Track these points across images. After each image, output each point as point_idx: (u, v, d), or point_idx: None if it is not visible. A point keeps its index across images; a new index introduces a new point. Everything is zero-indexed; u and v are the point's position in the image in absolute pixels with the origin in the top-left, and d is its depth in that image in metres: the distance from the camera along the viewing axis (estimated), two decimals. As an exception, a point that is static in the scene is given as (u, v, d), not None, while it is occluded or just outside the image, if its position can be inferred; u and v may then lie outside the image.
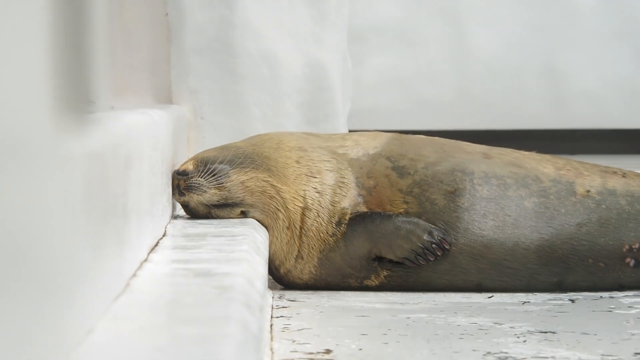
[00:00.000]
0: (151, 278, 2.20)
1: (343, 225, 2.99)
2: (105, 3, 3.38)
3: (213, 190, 2.99)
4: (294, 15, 3.73)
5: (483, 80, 5.78)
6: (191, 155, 3.68)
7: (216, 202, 3.00)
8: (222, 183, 2.99)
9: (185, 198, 3.00)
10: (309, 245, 3.01)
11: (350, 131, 3.93)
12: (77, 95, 1.50)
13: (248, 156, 3.03)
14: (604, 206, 3.02)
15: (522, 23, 5.75)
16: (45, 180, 1.34)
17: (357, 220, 2.99)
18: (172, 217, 3.10)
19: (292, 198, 3.00)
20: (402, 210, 2.98)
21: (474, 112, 5.80)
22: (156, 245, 2.62)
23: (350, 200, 2.99)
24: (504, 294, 2.97)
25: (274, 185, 3.01)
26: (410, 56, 5.73)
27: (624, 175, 3.11)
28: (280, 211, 3.00)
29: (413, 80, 5.76)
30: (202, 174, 2.98)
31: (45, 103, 1.34)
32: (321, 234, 3.00)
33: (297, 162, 3.02)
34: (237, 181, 2.99)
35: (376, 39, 5.71)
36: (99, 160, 1.82)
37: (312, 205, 2.99)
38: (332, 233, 2.99)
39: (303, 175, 3.00)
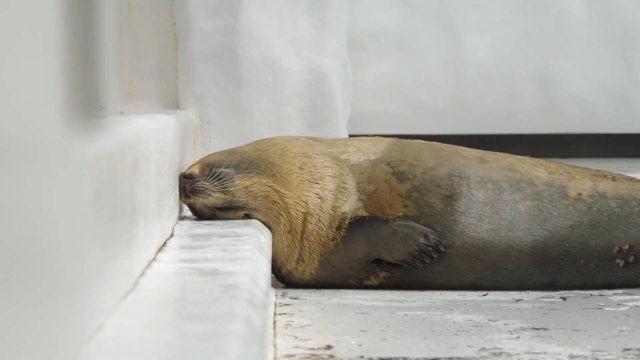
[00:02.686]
0: (159, 276, 2.22)
1: (343, 229, 3.03)
2: (114, 12, 3.42)
3: (217, 194, 3.06)
4: (295, 24, 3.75)
5: (477, 86, 5.83)
6: (197, 158, 3.72)
7: (220, 205, 3.07)
8: (226, 187, 3.05)
9: (191, 200, 3.07)
10: (309, 248, 3.06)
11: (350, 135, 3.97)
12: (87, 101, 1.51)
13: (253, 161, 3.08)
14: (595, 209, 3.06)
15: (515, 31, 5.81)
16: (56, 182, 1.35)
17: (356, 224, 3.04)
18: (179, 218, 3.12)
19: (294, 203, 3.05)
20: (400, 213, 3.02)
21: (468, 117, 5.86)
22: (164, 245, 2.64)
23: (350, 205, 3.03)
24: (497, 292, 3.00)
25: (278, 191, 3.06)
26: (408, 63, 5.78)
27: (613, 178, 3.15)
28: (283, 215, 3.06)
29: (410, 86, 5.80)
30: (208, 177, 3.04)
31: (57, 108, 1.35)
32: (322, 238, 3.05)
33: (301, 168, 3.06)
34: (241, 186, 3.05)
35: (375, 46, 5.76)
36: (108, 163, 1.84)
37: (314, 210, 3.04)
38: (333, 237, 3.04)
39: (306, 182, 3.05)
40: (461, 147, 3.20)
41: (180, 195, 3.06)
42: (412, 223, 2.98)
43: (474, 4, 5.81)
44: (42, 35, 1.32)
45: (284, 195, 3.04)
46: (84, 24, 1.53)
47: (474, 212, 3.01)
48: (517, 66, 5.82)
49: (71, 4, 1.44)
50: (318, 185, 3.05)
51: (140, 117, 2.66)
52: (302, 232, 3.04)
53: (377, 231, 3.00)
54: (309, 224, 3.03)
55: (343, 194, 3.03)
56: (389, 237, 2.99)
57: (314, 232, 3.03)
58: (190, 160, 3.60)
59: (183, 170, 3.11)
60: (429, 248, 2.98)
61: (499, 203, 3.03)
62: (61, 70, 1.37)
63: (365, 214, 3.03)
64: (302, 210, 3.04)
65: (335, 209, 3.03)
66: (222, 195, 3.05)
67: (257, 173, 3.05)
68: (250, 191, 3.04)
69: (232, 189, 3.04)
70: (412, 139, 3.27)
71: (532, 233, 3.02)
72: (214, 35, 3.69)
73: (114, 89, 3.49)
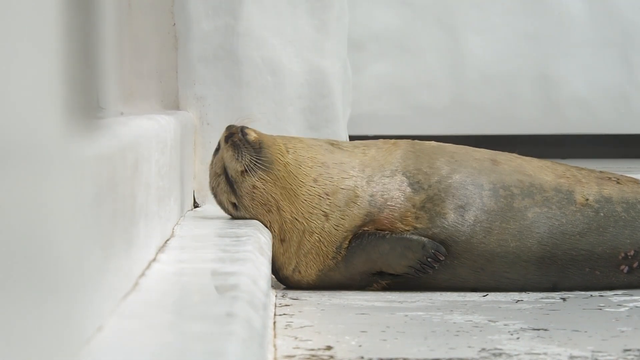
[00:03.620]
0: (159, 277, 2.23)
1: (344, 248, 3.03)
2: (115, 13, 3.42)
3: (240, 166, 3.04)
4: (296, 24, 3.75)
5: (478, 87, 5.83)
6: (197, 159, 3.72)
7: (230, 176, 3.05)
8: (249, 170, 3.03)
9: (225, 146, 3.04)
10: (306, 264, 3.04)
11: (349, 136, 3.97)
12: (87, 102, 1.50)
13: (274, 166, 3.03)
14: (602, 214, 3.04)
15: (515, 32, 5.81)
16: (56, 183, 1.34)
17: (356, 243, 3.01)
18: (179, 218, 3.16)
19: (292, 218, 3.04)
20: (410, 228, 2.99)
21: (468, 117, 5.86)
22: (164, 245, 2.65)
23: (356, 221, 3.01)
24: (498, 293, 3.01)
25: (278, 204, 3.04)
26: (408, 64, 5.78)
27: (618, 181, 3.13)
28: (275, 225, 3.05)
29: (410, 87, 5.81)
30: (252, 150, 3.01)
31: (57, 109, 1.34)
32: (321, 257, 3.03)
33: (315, 180, 3.04)
34: (251, 183, 3.05)
35: (375, 48, 5.76)
36: (108, 163, 1.86)
37: (315, 229, 3.01)
38: (333, 257, 3.02)
39: (315, 196, 3.02)
40: (473, 148, 3.16)
41: (225, 132, 3.05)
42: (408, 236, 2.97)
43: (474, 5, 5.81)
44: (42, 36, 1.32)
45: (283, 209, 3.03)
46: (84, 25, 1.53)
47: (484, 223, 3.00)
48: (517, 67, 5.83)
49: (71, 4, 1.45)
50: (328, 201, 3.02)
51: (140, 118, 2.67)
52: (298, 246, 3.03)
53: (375, 248, 2.99)
54: (307, 241, 3.02)
55: (352, 209, 3.01)
56: (388, 253, 2.99)
57: (313, 251, 3.02)
58: (191, 161, 3.61)
59: (244, 123, 3.10)
60: (429, 259, 2.97)
61: (509, 211, 3.01)
62: (61, 70, 1.38)
63: (372, 228, 3.02)
64: (300, 228, 3.03)
65: (337, 228, 3.01)
66: (240, 170, 3.04)
67: (272, 180, 3.03)
68: (253, 193, 3.04)
69: (247, 179, 3.03)
70: (413, 139, 3.26)
71: (541, 242, 3.01)
72: (214, 36, 3.69)
73: (114, 90, 3.49)
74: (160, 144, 2.64)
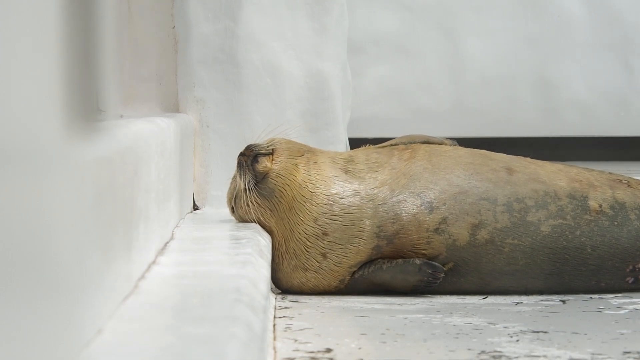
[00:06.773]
0: (159, 280, 2.23)
1: (347, 279, 3.00)
2: (114, 16, 3.43)
3: (242, 185, 3.01)
4: (296, 28, 3.76)
5: (477, 90, 5.84)
6: (197, 162, 3.72)
7: (235, 187, 3.06)
8: (246, 191, 3.01)
9: (238, 158, 3.05)
10: (302, 290, 3.03)
11: (350, 139, 3.97)
12: (87, 104, 1.52)
13: (280, 200, 2.99)
14: (616, 223, 3.01)
15: (515, 35, 5.81)
16: (56, 186, 1.37)
17: (359, 274, 2.98)
18: (179, 221, 3.17)
19: (284, 251, 2.98)
20: (420, 255, 2.97)
21: (468, 120, 5.86)
22: (164, 248, 2.65)
23: (361, 255, 2.98)
24: (497, 296, 3.02)
25: (271, 230, 2.99)
26: (408, 67, 5.78)
27: (629, 184, 3.09)
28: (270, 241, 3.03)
29: (410, 90, 5.81)
30: (253, 177, 3.00)
31: (57, 112, 1.37)
32: (320, 287, 3.01)
33: (316, 219, 2.98)
34: (246, 201, 3.02)
35: (375, 51, 5.76)
36: (108, 166, 1.86)
37: (310, 268, 2.98)
38: (335, 286, 3.01)
39: (312, 236, 2.98)
40: (489, 155, 3.09)
41: (242, 150, 3.06)
42: (402, 261, 2.95)
43: (473, 8, 5.82)
44: (43, 40, 1.33)
45: (276, 238, 3.01)
46: (83, 28, 1.53)
47: (496, 241, 2.97)
48: (516, 70, 5.83)
49: (71, 7, 1.45)
50: (326, 240, 2.98)
51: (140, 121, 2.66)
52: (290, 276, 3.02)
53: (377, 278, 2.98)
54: (301, 276, 3.00)
55: (354, 245, 2.96)
56: (390, 281, 2.98)
57: (309, 284, 3.01)
58: (190, 164, 3.61)
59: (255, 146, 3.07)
60: (429, 279, 2.96)
61: (522, 226, 2.97)
62: (61, 74, 1.39)
63: (377, 257, 3.00)
64: (292, 263, 3.01)
65: (339, 264, 2.99)
66: (242, 187, 3.02)
67: (267, 207, 3.01)
68: (248, 210, 3.02)
69: (246, 195, 3.02)
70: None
71: (552, 259, 2.98)
72: (214, 39, 3.70)
73: (114, 93, 3.50)
74: (159, 147, 2.64)
